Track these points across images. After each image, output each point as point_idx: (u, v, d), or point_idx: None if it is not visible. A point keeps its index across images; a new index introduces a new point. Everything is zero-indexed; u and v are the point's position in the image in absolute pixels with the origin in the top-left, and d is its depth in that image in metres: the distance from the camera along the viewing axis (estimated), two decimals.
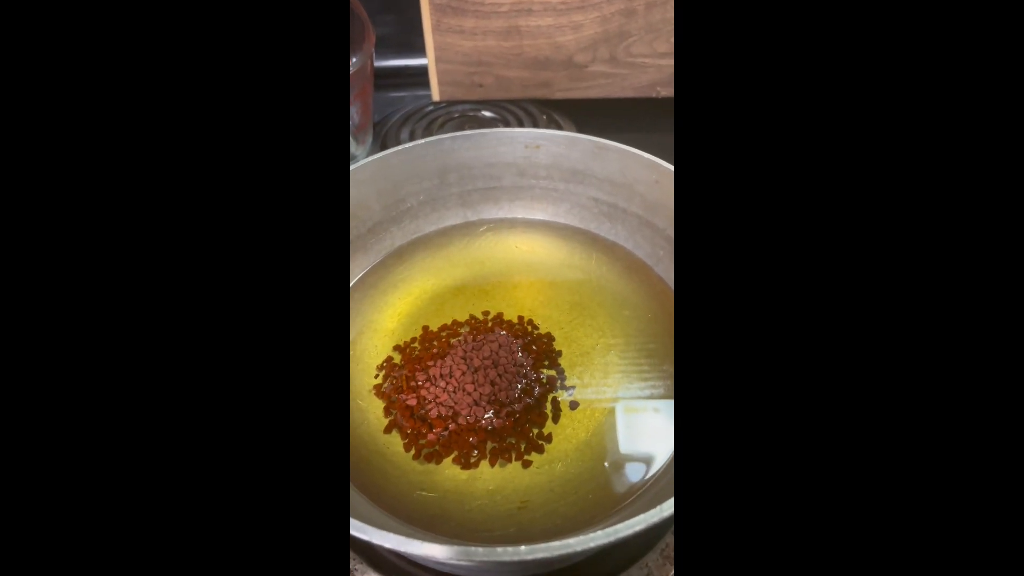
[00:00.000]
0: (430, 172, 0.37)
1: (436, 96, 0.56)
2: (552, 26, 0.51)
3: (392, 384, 0.31)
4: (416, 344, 0.33)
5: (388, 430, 0.29)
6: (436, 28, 0.52)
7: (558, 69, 0.54)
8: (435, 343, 0.33)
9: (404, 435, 0.29)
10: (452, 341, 0.32)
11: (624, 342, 0.32)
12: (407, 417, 0.29)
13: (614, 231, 0.37)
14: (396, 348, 0.33)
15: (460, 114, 0.55)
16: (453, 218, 0.39)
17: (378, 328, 0.34)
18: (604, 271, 0.36)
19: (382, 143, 0.52)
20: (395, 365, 0.32)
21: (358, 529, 0.19)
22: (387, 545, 0.19)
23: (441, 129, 0.53)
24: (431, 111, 0.55)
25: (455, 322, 0.34)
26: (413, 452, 0.29)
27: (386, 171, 0.35)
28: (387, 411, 0.30)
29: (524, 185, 0.38)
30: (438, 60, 0.53)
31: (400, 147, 0.35)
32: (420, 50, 0.55)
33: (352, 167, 0.33)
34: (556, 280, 0.36)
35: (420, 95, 0.58)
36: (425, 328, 0.34)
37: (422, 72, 0.56)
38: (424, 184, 0.37)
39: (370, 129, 0.50)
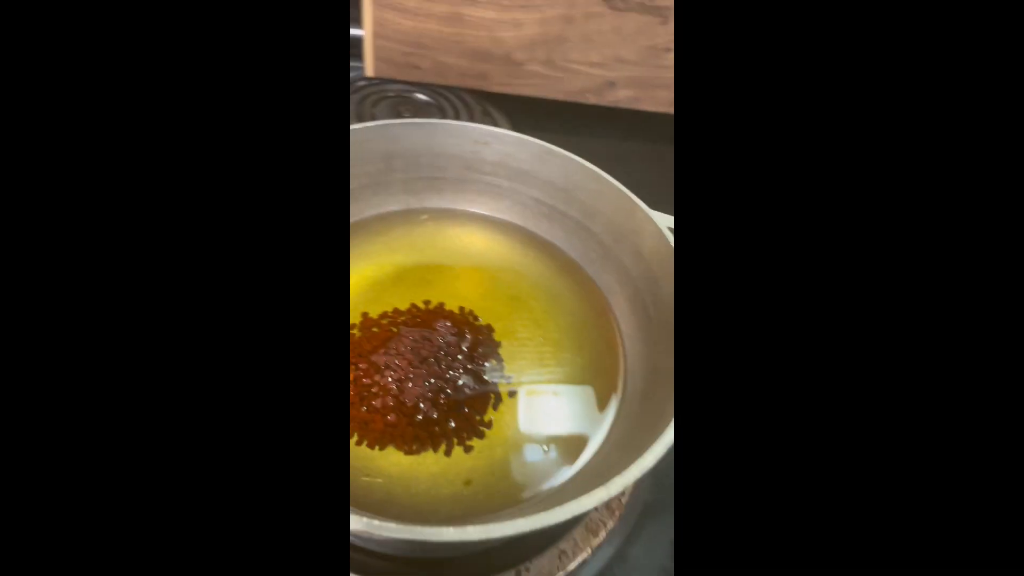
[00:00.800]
0: (375, 156, 0.36)
1: (369, 72, 0.54)
2: (494, 20, 0.52)
3: None
4: (356, 331, 0.33)
5: None
6: (376, 1, 0.50)
7: (496, 63, 0.54)
8: (375, 330, 0.33)
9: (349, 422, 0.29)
10: (394, 329, 0.32)
11: (558, 336, 0.35)
12: (351, 405, 0.29)
13: (552, 231, 0.40)
14: None
15: (395, 94, 0.54)
16: (395, 204, 0.38)
17: None
18: (540, 268, 0.38)
19: None
20: None
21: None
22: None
23: (375, 107, 0.52)
24: (364, 86, 0.53)
25: (396, 310, 0.34)
26: (356, 439, 0.29)
27: None
28: None
29: (469, 179, 0.39)
30: (376, 35, 0.52)
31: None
32: (355, 20, 0.52)
33: None
34: (495, 273, 0.38)
35: (353, 66, 0.56)
36: (364, 315, 0.33)
37: (355, 44, 0.54)
38: (368, 168, 0.36)
39: None
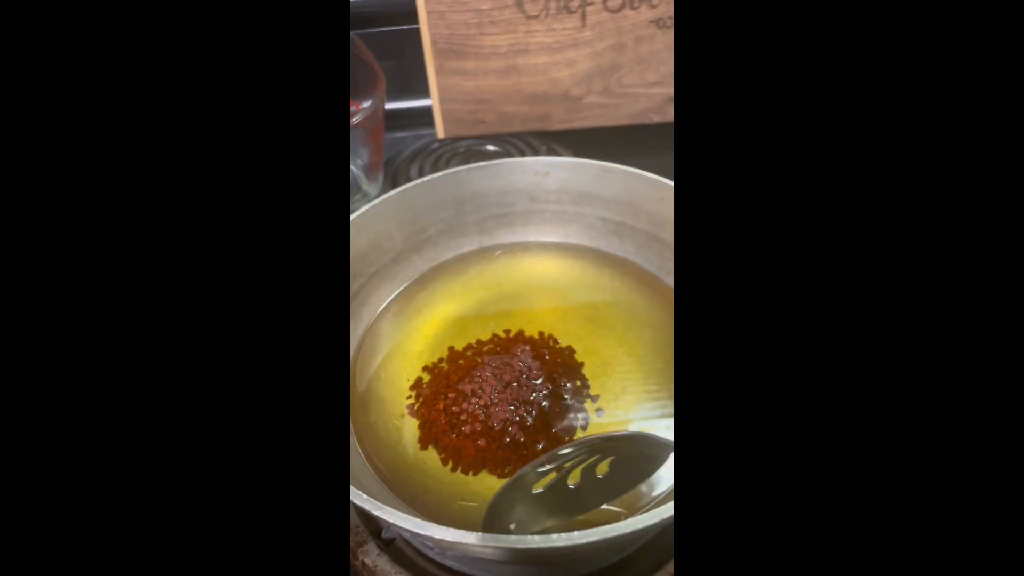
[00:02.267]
0: (447, 202, 0.39)
1: (441, 134, 0.59)
2: (548, 63, 0.55)
3: (424, 402, 0.32)
4: (444, 364, 0.34)
5: (424, 446, 0.31)
6: (439, 71, 0.55)
7: (556, 102, 0.57)
8: (461, 361, 0.34)
9: (441, 450, 0.30)
10: (478, 359, 0.34)
11: (642, 351, 0.34)
12: (444, 433, 0.31)
13: (623, 247, 0.40)
14: (425, 369, 0.34)
15: (465, 149, 0.58)
16: (470, 244, 0.41)
17: (406, 351, 0.35)
18: (616, 285, 0.38)
19: (392, 180, 0.55)
20: (425, 385, 0.33)
21: (411, 524, 0.20)
22: (447, 539, 0.20)
23: (448, 164, 0.56)
24: (437, 148, 0.58)
25: (479, 341, 0.35)
26: (450, 465, 0.30)
27: (406, 204, 0.37)
28: (422, 428, 0.31)
29: (535, 209, 0.40)
30: (442, 100, 0.57)
31: (419, 180, 0.37)
32: (420, 92, 0.58)
33: (375, 202, 0.35)
34: (571, 297, 0.38)
35: (422, 134, 0.61)
36: (451, 348, 0.35)
37: (423, 112, 0.59)
38: (442, 214, 0.39)
39: (381, 168, 0.53)
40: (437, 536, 0.20)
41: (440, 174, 0.38)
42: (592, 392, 0.32)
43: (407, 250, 0.38)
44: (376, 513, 0.21)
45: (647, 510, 0.24)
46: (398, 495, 0.28)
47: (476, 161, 0.55)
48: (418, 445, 0.31)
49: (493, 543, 0.20)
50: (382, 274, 0.37)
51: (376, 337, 0.36)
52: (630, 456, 0.27)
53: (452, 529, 0.20)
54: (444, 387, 0.33)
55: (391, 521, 0.21)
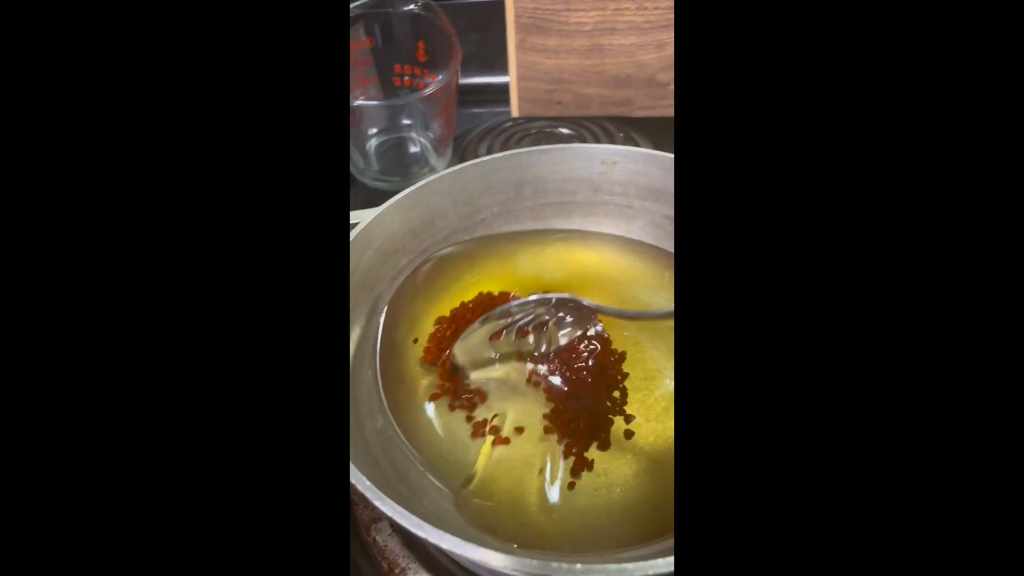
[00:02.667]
0: (505, 185, 0.37)
1: (515, 112, 0.57)
2: (635, 44, 0.51)
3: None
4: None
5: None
6: (520, 47, 0.53)
7: (639, 87, 0.53)
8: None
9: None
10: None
11: None
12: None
13: None
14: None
15: (537, 130, 0.56)
16: (524, 230, 0.39)
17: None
18: None
19: (461, 156, 0.54)
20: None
21: (416, 526, 0.20)
22: (443, 546, 0.19)
23: (518, 144, 0.54)
24: (509, 127, 0.57)
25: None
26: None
27: (463, 183, 0.36)
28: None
29: (598, 201, 0.38)
30: (520, 78, 0.55)
31: (477, 160, 0.36)
32: (502, 68, 0.56)
33: (431, 178, 0.34)
34: (627, 297, 0.35)
35: (499, 111, 0.60)
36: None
37: (503, 89, 0.58)
38: (499, 196, 0.38)
39: (450, 143, 0.52)
40: (431, 539, 0.19)
41: (499, 155, 0.36)
42: (628, 408, 0.30)
43: (459, 230, 0.37)
44: (376, 504, 0.21)
45: None
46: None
47: (548, 143, 0.52)
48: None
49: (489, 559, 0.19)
50: (431, 250, 0.36)
51: (412, 309, 0.35)
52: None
53: (449, 536, 0.19)
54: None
55: (388, 514, 0.20)
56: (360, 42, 0.49)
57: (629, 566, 0.18)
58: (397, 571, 0.27)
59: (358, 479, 0.21)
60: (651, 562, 0.18)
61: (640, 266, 0.37)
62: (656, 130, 0.54)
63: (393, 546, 0.28)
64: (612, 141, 0.52)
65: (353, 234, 0.31)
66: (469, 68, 0.65)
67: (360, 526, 0.29)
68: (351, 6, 0.47)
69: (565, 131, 0.55)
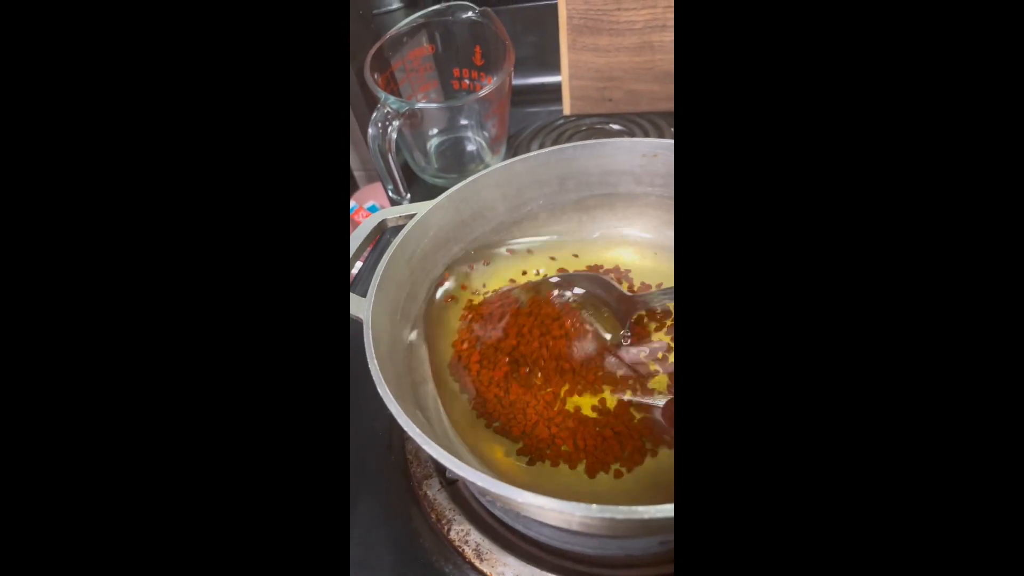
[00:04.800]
0: (550, 179, 0.40)
1: (567, 110, 0.59)
2: None
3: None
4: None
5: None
6: (572, 47, 0.55)
7: None
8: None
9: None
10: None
11: None
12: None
13: None
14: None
15: (588, 127, 0.58)
16: (569, 222, 0.41)
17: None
18: None
19: (514, 153, 0.57)
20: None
21: (466, 472, 0.22)
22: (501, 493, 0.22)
23: (569, 140, 0.57)
24: (561, 124, 0.59)
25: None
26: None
27: (510, 177, 0.39)
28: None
29: (640, 193, 0.40)
30: (571, 76, 0.57)
31: (524, 156, 0.38)
32: (557, 68, 0.59)
33: (480, 173, 0.38)
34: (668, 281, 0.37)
35: (553, 110, 0.62)
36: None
37: (557, 88, 0.60)
38: (544, 190, 0.40)
39: (504, 141, 0.55)
40: (494, 490, 0.22)
41: (545, 151, 0.39)
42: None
43: (507, 222, 0.40)
44: (442, 461, 0.23)
45: None
46: (467, 443, 0.31)
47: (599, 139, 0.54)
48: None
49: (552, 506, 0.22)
50: (480, 242, 0.40)
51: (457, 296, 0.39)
52: None
53: (507, 485, 0.22)
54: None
55: (455, 471, 0.23)
56: (422, 49, 0.53)
57: (641, 508, 0.20)
58: (444, 522, 0.31)
59: (415, 433, 0.24)
60: (663, 506, 0.20)
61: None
62: None
63: (441, 500, 0.32)
64: (662, 135, 0.53)
65: (410, 225, 0.35)
66: (526, 69, 0.68)
67: (413, 482, 0.33)
68: (415, 16, 0.51)
69: (616, 127, 0.57)
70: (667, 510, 0.20)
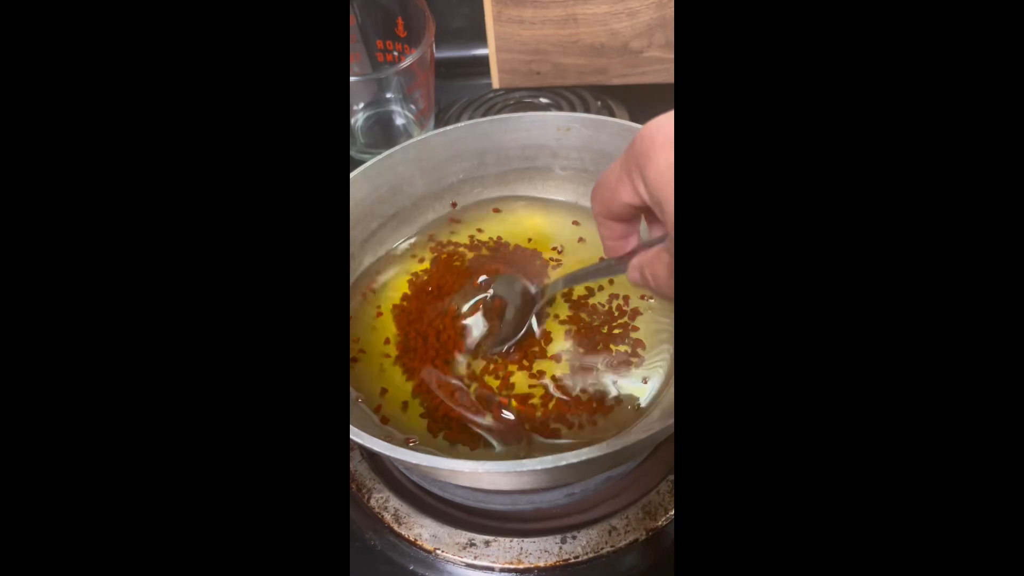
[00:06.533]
0: (469, 153, 0.40)
1: (496, 84, 0.59)
2: (608, 13, 0.53)
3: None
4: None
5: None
6: (497, 19, 0.55)
7: (613, 55, 0.55)
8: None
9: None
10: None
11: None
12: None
13: None
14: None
15: (516, 100, 0.58)
16: (489, 195, 0.42)
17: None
18: None
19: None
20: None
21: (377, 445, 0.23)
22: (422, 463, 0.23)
23: (496, 114, 0.57)
24: (490, 98, 0.59)
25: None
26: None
27: (428, 152, 0.39)
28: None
29: (556, 166, 0.41)
30: (498, 49, 0.57)
31: (440, 130, 0.39)
32: (480, 40, 0.58)
33: (395, 148, 0.38)
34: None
35: (483, 83, 0.62)
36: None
37: (482, 62, 0.60)
38: (464, 164, 0.41)
39: (431, 115, 0.55)
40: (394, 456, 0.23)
41: (462, 124, 0.39)
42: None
43: (427, 196, 0.41)
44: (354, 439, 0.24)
45: None
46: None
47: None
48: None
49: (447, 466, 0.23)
50: (400, 217, 0.40)
51: (383, 272, 0.39)
52: None
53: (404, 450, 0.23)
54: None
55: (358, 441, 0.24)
56: None
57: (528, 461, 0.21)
58: (364, 491, 0.32)
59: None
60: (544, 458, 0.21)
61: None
62: (632, 97, 0.55)
63: (362, 471, 0.33)
64: (588, 109, 0.54)
65: None
66: (458, 41, 0.67)
67: None
68: None
69: (544, 100, 0.57)
70: (547, 461, 0.21)
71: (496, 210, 0.41)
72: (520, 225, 0.40)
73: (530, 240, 0.39)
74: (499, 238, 0.39)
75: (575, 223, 0.40)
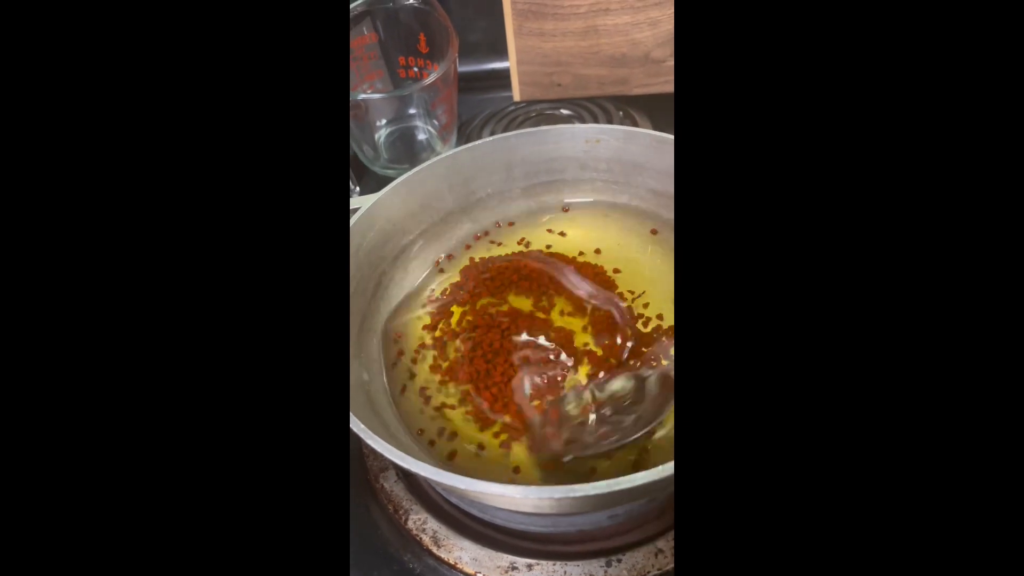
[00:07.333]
0: (497, 167, 0.40)
1: (517, 96, 0.59)
2: (629, 23, 0.52)
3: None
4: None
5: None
6: (518, 32, 0.55)
7: (635, 65, 0.55)
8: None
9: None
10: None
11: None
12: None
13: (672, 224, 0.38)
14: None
15: (538, 113, 0.58)
16: (518, 208, 0.42)
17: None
18: (658, 262, 0.37)
19: (466, 141, 0.57)
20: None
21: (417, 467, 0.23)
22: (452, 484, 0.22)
23: (519, 127, 0.57)
24: (511, 111, 0.59)
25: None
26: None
27: (457, 167, 0.39)
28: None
29: (585, 178, 0.40)
30: (519, 62, 0.57)
31: (469, 145, 0.38)
32: (507, 54, 0.58)
33: (425, 164, 0.38)
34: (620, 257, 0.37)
35: (505, 96, 0.62)
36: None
37: (507, 74, 0.60)
38: (492, 178, 0.40)
39: (454, 129, 0.55)
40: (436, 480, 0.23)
41: (490, 139, 0.39)
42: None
43: (456, 211, 0.40)
44: (381, 451, 0.23)
45: None
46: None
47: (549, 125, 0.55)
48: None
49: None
50: (430, 233, 0.40)
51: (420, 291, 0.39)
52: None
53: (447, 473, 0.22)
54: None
55: (393, 460, 0.23)
56: (364, 38, 0.52)
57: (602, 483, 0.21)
58: (401, 512, 0.31)
59: (364, 432, 0.24)
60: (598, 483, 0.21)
61: (625, 238, 0.39)
62: (654, 107, 0.55)
63: (398, 491, 0.32)
64: (611, 120, 0.54)
65: (355, 219, 0.34)
66: (477, 55, 0.67)
67: (370, 475, 0.33)
68: (357, 3, 0.50)
69: (566, 112, 0.57)
70: (602, 486, 0.20)
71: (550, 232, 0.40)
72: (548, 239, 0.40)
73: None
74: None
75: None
